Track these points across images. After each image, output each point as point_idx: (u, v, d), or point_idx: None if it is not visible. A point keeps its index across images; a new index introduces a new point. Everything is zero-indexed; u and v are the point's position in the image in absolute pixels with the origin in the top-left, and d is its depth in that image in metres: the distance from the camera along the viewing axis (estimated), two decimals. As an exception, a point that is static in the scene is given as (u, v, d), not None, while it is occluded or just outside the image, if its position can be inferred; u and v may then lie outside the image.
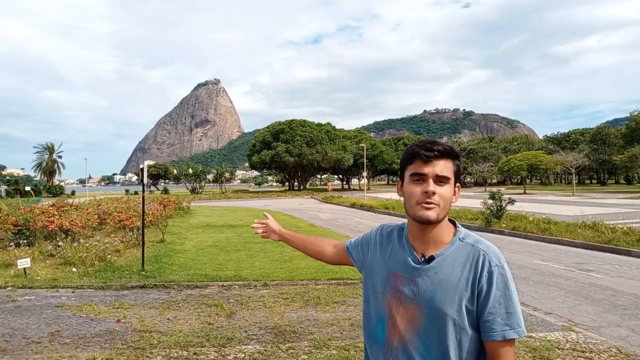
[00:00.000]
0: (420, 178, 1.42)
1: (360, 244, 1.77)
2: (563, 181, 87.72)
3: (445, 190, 1.42)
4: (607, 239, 11.92)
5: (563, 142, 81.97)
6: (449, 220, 1.51)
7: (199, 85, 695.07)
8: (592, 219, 14.41)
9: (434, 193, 1.39)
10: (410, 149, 1.48)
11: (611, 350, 4.78)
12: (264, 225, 2.18)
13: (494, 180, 78.19)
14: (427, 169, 1.41)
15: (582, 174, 74.80)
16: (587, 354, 4.67)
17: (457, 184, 1.49)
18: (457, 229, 1.52)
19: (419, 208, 1.41)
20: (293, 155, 62.03)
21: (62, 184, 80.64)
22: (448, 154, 1.44)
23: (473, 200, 30.72)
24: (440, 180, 1.41)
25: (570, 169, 49.30)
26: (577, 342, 5.05)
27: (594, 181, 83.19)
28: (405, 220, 1.60)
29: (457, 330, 1.39)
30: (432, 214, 1.40)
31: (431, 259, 1.45)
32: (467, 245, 1.46)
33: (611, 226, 13.20)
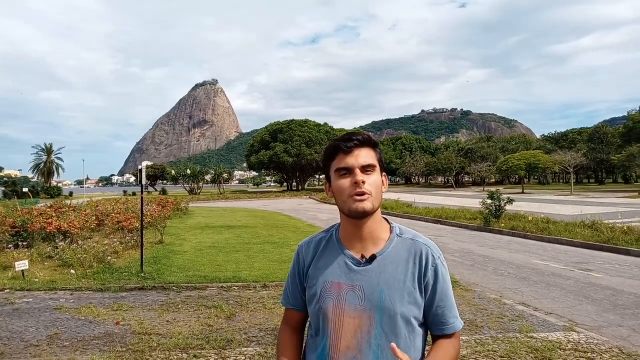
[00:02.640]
0: (347, 171, 1.38)
1: (292, 286, 1.60)
2: (561, 180, 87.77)
3: (374, 178, 1.39)
4: (607, 238, 11.91)
5: (561, 141, 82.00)
6: (383, 217, 1.49)
7: (197, 86, 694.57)
8: (591, 218, 14.40)
9: (364, 182, 1.36)
10: (329, 145, 1.45)
11: (613, 351, 4.76)
12: None
13: (492, 180, 78.16)
14: (351, 160, 1.38)
15: (580, 173, 74.87)
16: (589, 355, 4.65)
17: (384, 174, 1.47)
18: (392, 224, 1.50)
19: (352, 201, 1.37)
20: (292, 156, 61.98)
21: (59, 185, 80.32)
22: (367, 143, 1.42)
23: (471, 200, 30.73)
24: (367, 169, 1.39)
25: (569, 168, 49.36)
26: (578, 342, 5.03)
27: (592, 180, 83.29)
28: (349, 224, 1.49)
29: (410, 329, 1.37)
30: (367, 205, 1.36)
31: (373, 258, 1.41)
32: (406, 241, 1.45)
33: (610, 225, 13.20)
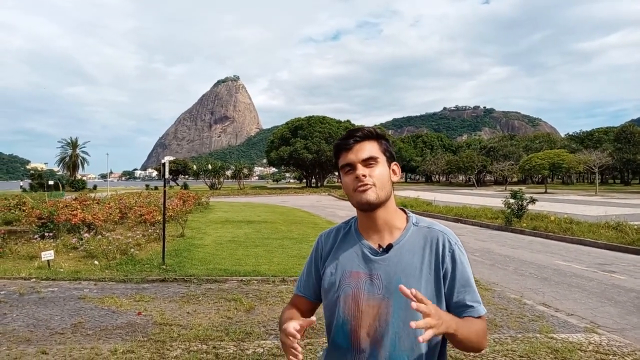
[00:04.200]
0: (350, 168, 1.42)
1: (306, 274, 1.63)
2: (585, 180, 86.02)
3: (378, 170, 1.42)
4: (631, 239, 11.64)
5: (586, 140, 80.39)
6: (399, 208, 1.51)
7: (219, 82, 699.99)
8: (615, 219, 14.10)
9: (364, 175, 1.39)
10: (334, 144, 1.49)
11: (636, 354, 4.67)
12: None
13: (515, 179, 77.09)
14: (352, 157, 1.42)
15: (605, 173, 73.28)
16: (610, 357, 4.57)
17: (395, 163, 1.49)
18: (408, 214, 1.52)
19: (356, 194, 1.41)
20: (311, 152, 62.06)
21: (84, 178, 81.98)
22: (369, 136, 1.45)
23: (493, 199, 30.37)
24: (369, 162, 1.41)
25: (593, 168, 48.36)
26: (599, 344, 4.95)
27: (617, 181, 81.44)
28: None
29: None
30: (370, 195, 1.39)
31: (389, 247, 1.43)
32: (422, 229, 1.47)
33: (635, 227, 12.90)
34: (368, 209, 1.42)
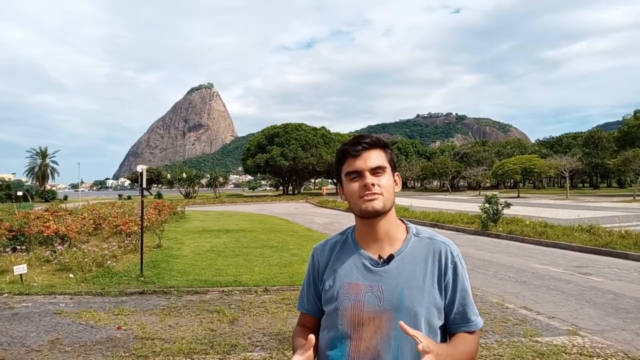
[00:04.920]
0: (357, 175, 1.39)
1: (306, 290, 1.59)
2: (556, 185, 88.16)
3: (385, 180, 1.40)
4: (604, 242, 11.94)
5: (556, 145, 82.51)
6: (399, 218, 1.50)
7: (192, 90, 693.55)
8: (588, 222, 14.45)
9: (373, 184, 1.37)
10: (339, 149, 1.46)
11: (618, 355, 4.76)
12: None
13: (488, 184, 78.38)
14: (360, 164, 1.39)
15: (575, 177, 75.21)
16: (594, 359, 4.64)
17: (396, 173, 1.48)
18: (407, 225, 1.50)
19: (362, 202, 1.37)
20: (288, 159, 61.96)
21: (54, 188, 79.81)
22: (376, 144, 1.43)
23: (468, 204, 30.80)
24: (377, 171, 1.39)
25: (564, 172, 49.56)
26: (583, 346, 5.03)
27: (587, 185, 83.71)
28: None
29: (427, 329, 1.36)
30: (377, 204, 1.37)
31: (390, 258, 1.40)
32: (423, 240, 1.45)
33: (607, 229, 13.24)
34: (372, 216, 1.39)
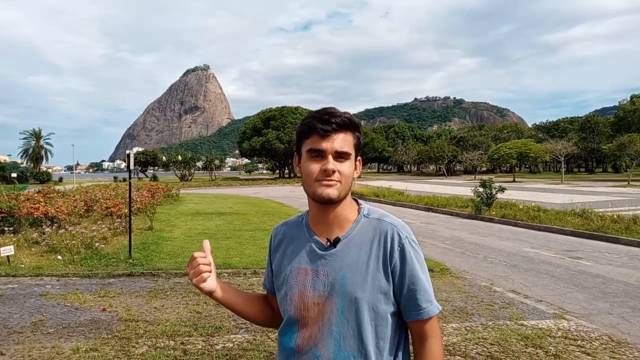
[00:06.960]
0: (319, 154, 1.29)
1: (267, 269, 1.55)
2: (552, 169, 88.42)
3: (346, 166, 1.30)
4: (596, 226, 11.97)
5: (552, 130, 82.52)
6: (352, 198, 1.40)
7: (188, 71, 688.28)
8: (581, 207, 14.46)
9: (333, 171, 1.27)
10: (306, 121, 1.33)
11: (602, 338, 4.76)
12: (208, 264, 1.45)
13: (484, 169, 78.52)
14: (326, 145, 1.28)
15: (570, 162, 75.36)
16: (578, 342, 4.64)
17: (359, 158, 1.38)
18: (361, 205, 1.41)
19: (318, 185, 1.28)
20: (284, 142, 61.80)
21: (49, 170, 79.49)
22: (347, 126, 1.30)
23: (463, 188, 30.81)
24: (340, 156, 1.29)
25: (559, 157, 49.65)
26: (568, 330, 5.02)
27: (582, 169, 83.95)
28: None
29: (373, 316, 1.28)
30: (332, 192, 1.27)
31: (337, 241, 1.33)
32: (372, 221, 1.36)
33: (600, 214, 13.25)
34: (326, 203, 1.30)
